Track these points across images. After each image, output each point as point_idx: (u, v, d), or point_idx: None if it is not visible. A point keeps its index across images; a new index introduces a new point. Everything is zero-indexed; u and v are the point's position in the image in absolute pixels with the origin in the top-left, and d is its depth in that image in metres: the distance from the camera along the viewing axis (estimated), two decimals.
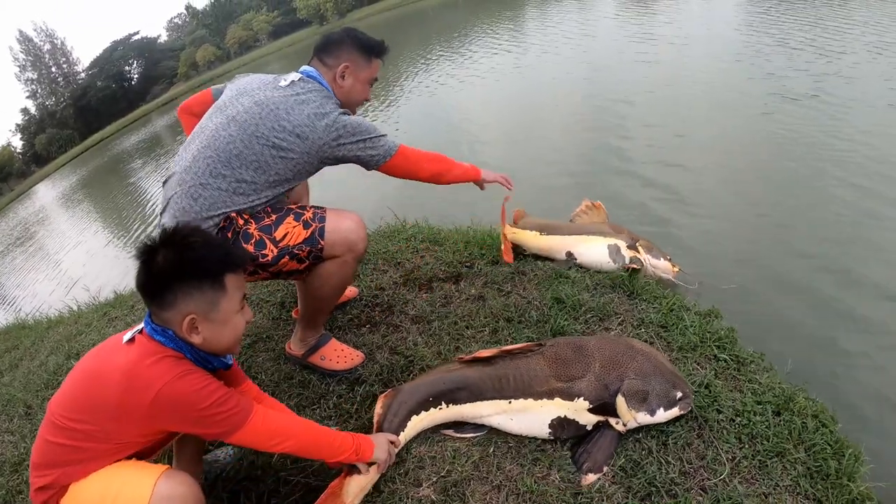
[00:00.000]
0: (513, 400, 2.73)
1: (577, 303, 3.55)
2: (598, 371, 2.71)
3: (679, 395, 2.67)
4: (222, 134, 2.68)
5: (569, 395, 2.68)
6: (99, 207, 20.66)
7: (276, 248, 2.73)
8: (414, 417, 2.79)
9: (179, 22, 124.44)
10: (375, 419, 2.76)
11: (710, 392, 2.95)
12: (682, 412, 2.69)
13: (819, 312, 4.62)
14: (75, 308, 5.84)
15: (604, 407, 2.66)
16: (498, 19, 28.34)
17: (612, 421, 2.68)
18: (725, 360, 3.15)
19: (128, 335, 1.94)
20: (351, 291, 3.94)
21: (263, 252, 2.71)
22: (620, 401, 2.62)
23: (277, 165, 2.72)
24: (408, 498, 2.57)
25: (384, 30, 40.29)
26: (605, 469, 2.57)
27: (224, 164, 2.65)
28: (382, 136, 2.95)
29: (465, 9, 40.26)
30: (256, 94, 2.77)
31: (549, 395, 2.70)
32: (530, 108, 12.81)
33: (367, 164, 2.98)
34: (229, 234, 2.67)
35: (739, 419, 2.81)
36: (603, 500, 2.46)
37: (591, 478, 2.53)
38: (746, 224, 6.07)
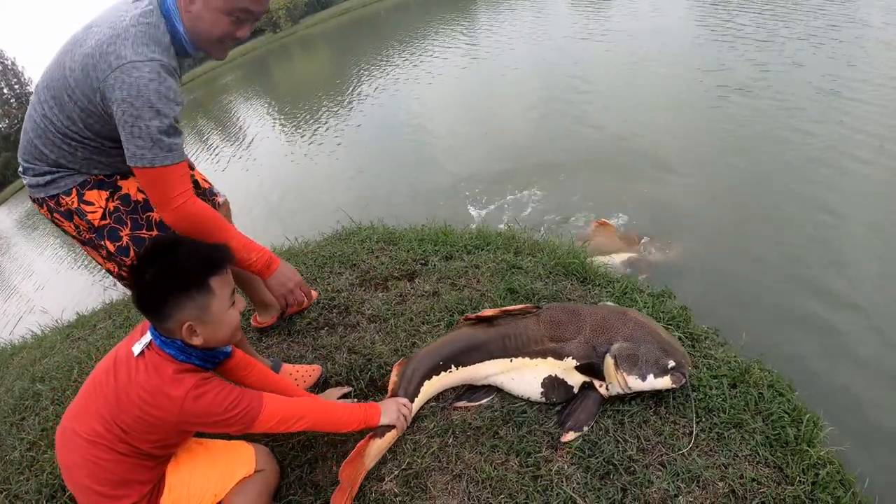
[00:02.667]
0: (513, 358, 2.86)
1: (531, 292, 3.56)
2: (588, 334, 2.80)
3: (671, 363, 2.70)
4: None
5: (559, 355, 2.80)
6: (57, 232, 20.52)
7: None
8: (426, 382, 2.90)
9: None
10: (390, 387, 2.89)
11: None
12: (674, 384, 2.71)
13: (771, 284, 4.71)
14: (38, 332, 5.80)
15: (590, 367, 2.74)
16: (450, 19, 28.44)
17: (597, 384, 2.76)
18: (680, 338, 3.16)
19: (138, 348, 2.05)
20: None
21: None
22: (608, 361, 2.69)
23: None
24: (371, 493, 2.57)
25: (339, 35, 40.26)
26: (586, 429, 2.65)
27: None
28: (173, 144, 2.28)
29: (417, 10, 40.35)
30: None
31: (543, 354, 2.82)
32: (486, 100, 12.96)
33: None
34: None
35: (696, 394, 2.83)
36: (562, 481, 2.47)
37: (570, 435, 2.62)
38: (701, 200, 6.18)
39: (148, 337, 2.08)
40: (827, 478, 2.48)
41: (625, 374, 2.66)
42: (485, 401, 2.91)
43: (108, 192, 2.52)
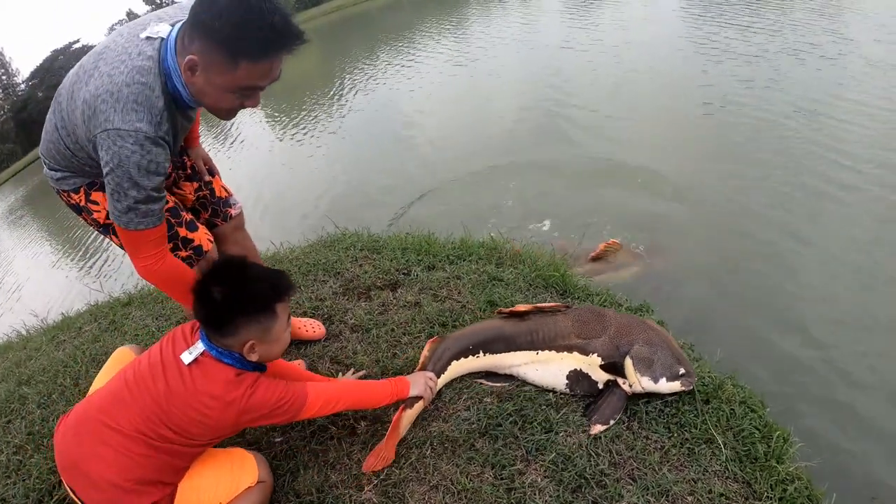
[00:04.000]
0: (539, 351, 3.04)
1: (511, 304, 3.57)
2: (612, 334, 2.97)
3: (682, 371, 2.85)
4: None
5: (585, 351, 2.97)
6: (44, 226, 20.32)
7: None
8: (454, 362, 3.11)
9: None
10: (421, 361, 3.10)
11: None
12: (683, 388, 2.87)
13: (748, 302, 4.77)
14: (24, 332, 5.81)
15: (613, 366, 2.91)
16: (444, 19, 28.41)
17: (620, 381, 2.92)
18: None
19: (188, 357, 2.18)
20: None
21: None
22: (628, 362, 2.86)
23: None
24: (350, 502, 2.61)
25: (329, 33, 40.03)
26: (612, 422, 2.81)
27: None
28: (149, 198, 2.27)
29: (410, 10, 40.22)
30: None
31: (569, 349, 3.00)
32: (479, 101, 13.04)
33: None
34: None
35: (668, 409, 2.90)
36: (535, 494, 2.52)
37: (598, 427, 2.78)
38: (683, 217, 6.25)
39: (200, 347, 2.20)
40: (795, 493, 2.53)
41: (639, 375, 2.84)
42: (500, 384, 3.13)
43: None
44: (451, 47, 20.48)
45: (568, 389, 3.03)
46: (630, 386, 2.90)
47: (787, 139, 7.49)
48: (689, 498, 2.51)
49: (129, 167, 2.14)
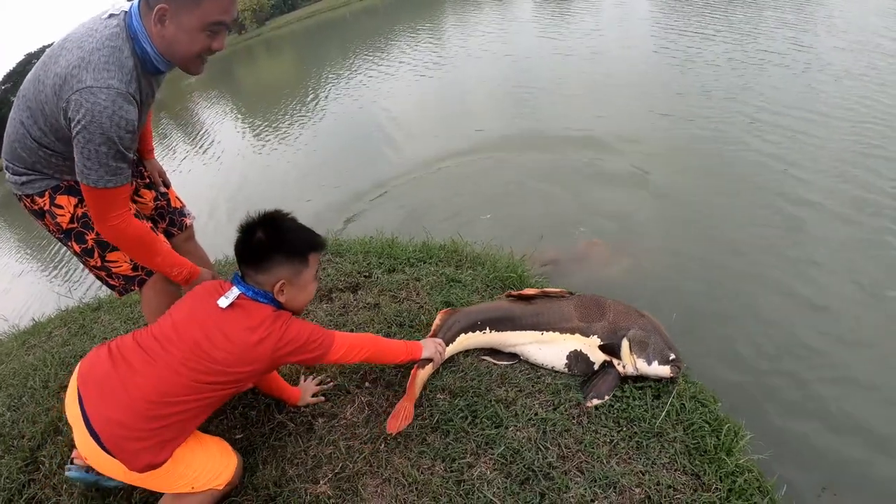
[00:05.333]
0: (544, 332, 3.27)
1: (466, 305, 3.67)
2: (611, 319, 3.24)
3: (672, 356, 3.08)
4: None
5: (586, 333, 3.22)
6: (14, 234, 20.11)
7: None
8: (462, 335, 3.35)
9: None
10: (432, 329, 3.38)
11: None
12: (672, 374, 3.07)
13: (703, 295, 4.83)
14: None
15: (611, 347, 3.15)
16: (418, 23, 28.40)
17: (616, 362, 3.14)
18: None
19: (225, 302, 2.34)
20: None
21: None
22: (624, 344, 3.12)
23: None
24: (306, 495, 2.67)
25: (305, 37, 39.91)
26: (606, 398, 3.01)
27: None
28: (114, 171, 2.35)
29: (385, 14, 40.14)
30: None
31: (572, 331, 3.24)
32: (455, 103, 13.10)
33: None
34: None
35: (618, 405, 2.98)
36: (484, 486, 2.58)
37: (595, 401, 3.00)
38: (646, 217, 6.33)
39: (235, 292, 2.37)
40: (744, 484, 2.60)
41: (634, 356, 3.08)
42: (505, 362, 3.34)
43: (77, 199, 2.63)
44: (425, 51, 20.49)
45: (566, 369, 3.24)
46: (623, 367, 3.12)
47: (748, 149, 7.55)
48: (637, 489, 2.57)
49: (101, 121, 2.19)
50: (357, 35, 32.27)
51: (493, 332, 3.37)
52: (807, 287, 4.75)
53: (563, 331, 3.26)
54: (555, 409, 2.97)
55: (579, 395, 3.06)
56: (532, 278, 4.23)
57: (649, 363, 3.07)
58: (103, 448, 2.13)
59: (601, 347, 3.19)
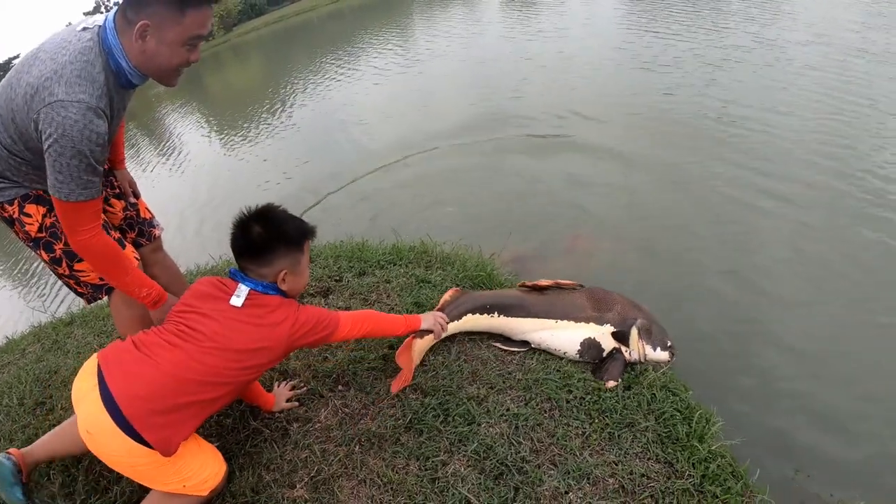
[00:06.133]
0: (559, 320, 3.41)
1: (436, 305, 3.68)
2: (619, 310, 3.46)
3: (669, 343, 3.37)
4: None
5: (599, 322, 3.40)
6: None
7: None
8: (469, 315, 3.51)
9: None
10: (440, 303, 3.58)
11: (562, 375, 3.20)
12: (669, 359, 3.33)
13: (671, 284, 4.87)
14: None
15: (623, 335, 3.35)
16: (385, 26, 28.35)
17: (624, 349, 3.34)
18: None
19: (238, 301, 2.43)
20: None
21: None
22: (633, 332, 3.33)
23: None
24: (283, 500, 2.68)
25: (273, 43, 39.68)
26: (619, 380, 3.19)
27: None
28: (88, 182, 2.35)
29: (351, 18, 40.00)
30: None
31: (587, 320, 3.41)
32: (420, 101, 13.20)
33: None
34: None
35: (590, 397, 3.03)
36: (458, 482, 2.61)
37: (612, 383, 3.16)
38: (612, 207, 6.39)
39: (245, 289, 2.45)
40: (717, 470, 2.65)
41: (642, 343, 3.30)
42: (516, 349, 3.49)
43: (45, 209, 2.63)
44: (391, 54, 20.47)
45: (578, 355, 3.38)
46: (630, 353, 3.32)
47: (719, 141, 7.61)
48: (611, 480, 2.62)
49: (72, 135, 2.19)
50: (324, 39, 32.16)
51: (502, 316, 3.51)
52: (775, 282, 4.81)
53: (577, 320, 3.41)
54: (526, 405, 3.00)
55: (550, 389, 3.09)
56: (502, 276, 4.26)
57: (654, 349, 3.31)
58: (120, 425, 2.14)
59: (614, 335, 3.37)
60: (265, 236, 2.46)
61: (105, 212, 2.94)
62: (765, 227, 5.63)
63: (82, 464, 2.91)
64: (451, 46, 18.68)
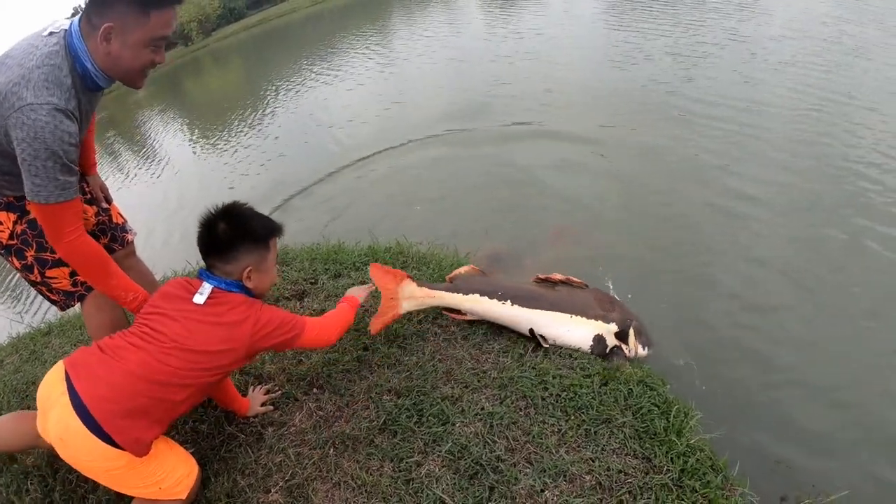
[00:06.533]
0: (573, 316, 3.51)
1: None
2: (619, 311, 3.66)
3: (647, 340, 3.65)
4: None
5: (606, 321, 3.54)
6: None
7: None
8: (478, 296, 3.59)
9: None
10: (453, 273, 3.81)
11: (537, 373, 3.16)
12: (647, 354, 3.60)
13: (645, 277, 4.87)
14: None
15: (624, 333, 3.53)
16: (364, 26, 28.30)
17: (623, 347, 3.51)
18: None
19: (201, 298, 2.45)
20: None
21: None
22: (631, 332, 3.52)
23: None
24: None
25: (252, 47, 39.52)
26: None
27: None
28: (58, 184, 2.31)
29: (331, 20, 39.89)
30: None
31: (597, 318, 3.53)
32: (398, 100, 13.19)
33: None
34: None
35: (566, 394, 3.00)
36: (433, 483, 2.58)
37: None
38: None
39: (208, 287, 2.47)
40: (697, 464, 2.62)
41: (637, 341, 3.54)
42: (472, 318, 3.64)
43: (16, 215, 2.61)
44: (371, 53, 20.46)
45: (590, 350, 3.46)
46: (629, 351, 3.50)
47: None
48: (588, 476, 2.59)
49: (45, 136, 2.19)
50: (304, 41, 32.03)
51: (515, 306, 3.53)
52: (747, 284, 4.80)
53: (589, 317, 3.52)
54: (501, 403, 2.97)
55: (525, 387, 3.07)
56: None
57: (644, 347, 3.58)
58: (91, 429, 2.12)
59: (617, 334, 3.53)
60: (230, 233, 2.48)
61: None
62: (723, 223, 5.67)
63: (59, 473, 2.89)
64: (431, 46, 18.64)
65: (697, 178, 6.60)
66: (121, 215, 3.27)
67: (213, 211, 2.52)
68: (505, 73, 12.83)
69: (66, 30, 2.34)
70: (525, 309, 3.51)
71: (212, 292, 2.46)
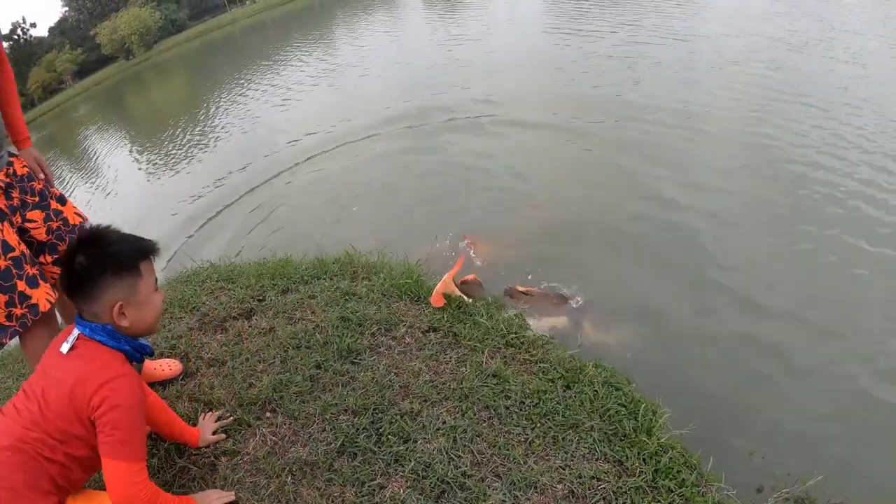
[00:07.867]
0: None
1: (363, 318, 3.57)
2: None
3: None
4: None
5: None
6: None
7: None
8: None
9: None
10: (459, 261, 4.04)
11: (498, 380, 3.05)
12: None
13: (605, 275, 4.84)
14: None
15: None
16: (309, 37, 28.36)
17: None
18: (515, 346, 3.29)
19: (66, 347, 2.10)
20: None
21: None
22: None
23: None
24: None
25: (195, 59, 39.29)
26: None
27: None
28: None
29: (273, 29, 39.94)
30: None
31: None
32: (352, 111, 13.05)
33: None
34: None
35: (529, 401, 2.90)
36: None
37: None
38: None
39: (75, 332, 2.13)
40: (670, 463, 2.56)
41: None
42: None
43: None
44: (315, 63, 20.50)
45: None
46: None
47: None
48: (559, 486, 2.50)
49: None
50: (246, 52, 32.02)
51: None
52: (712, 289, 4.79)
53: None
54: (463, 415, 2.86)
55: (486, 397, 2.96)
56: (430, 281, 4.12)
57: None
58: None
59: None
60: (87, 265, 2.11)
61: (25, 230, 2.75)
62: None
63: None
64: (374, 51, 18.77)
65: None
66: (79, 215, 2.99)
67: (71, 244, 2.20)
68: (450, 72, 12.93)
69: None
70: None
71: (77, 339, 2.14)
